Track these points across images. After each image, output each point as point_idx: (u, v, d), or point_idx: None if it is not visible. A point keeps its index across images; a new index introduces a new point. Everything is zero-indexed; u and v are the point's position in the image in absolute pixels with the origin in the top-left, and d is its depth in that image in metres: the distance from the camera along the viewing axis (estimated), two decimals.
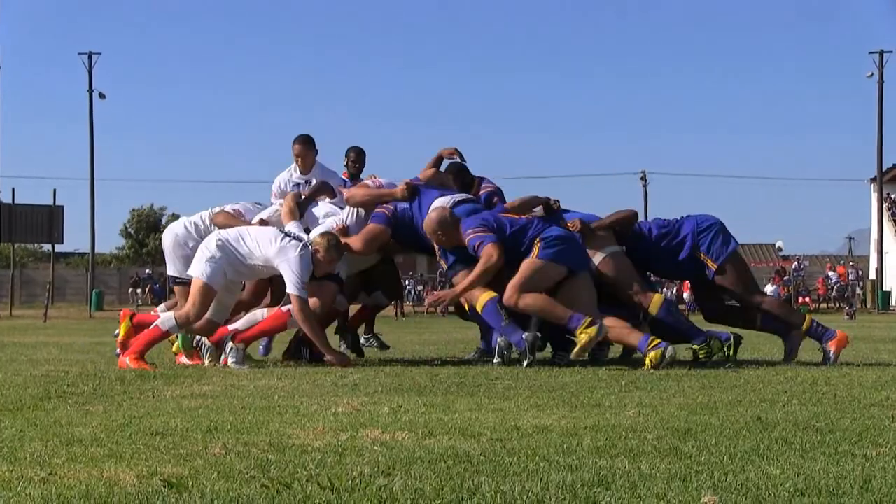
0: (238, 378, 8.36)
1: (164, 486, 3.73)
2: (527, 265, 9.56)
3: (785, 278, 57.89)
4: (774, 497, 3.62)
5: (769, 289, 50.91)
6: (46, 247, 63.61)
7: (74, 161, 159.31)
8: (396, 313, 51.24)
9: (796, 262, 61.85)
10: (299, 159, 11.26)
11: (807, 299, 56.55)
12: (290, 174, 11.38)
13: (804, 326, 10.37)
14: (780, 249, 74.04)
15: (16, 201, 52.58)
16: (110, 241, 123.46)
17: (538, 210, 10.12)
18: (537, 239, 9.66)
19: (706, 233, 10.39)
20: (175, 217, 77.32)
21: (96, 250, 67.19)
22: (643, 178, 77.28)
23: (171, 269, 10.87)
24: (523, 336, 9.41)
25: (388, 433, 5.07)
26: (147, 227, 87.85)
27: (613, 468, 4.09)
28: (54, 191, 54.95)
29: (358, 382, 7.91)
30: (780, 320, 10.54)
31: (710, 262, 10.31)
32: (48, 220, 51.09)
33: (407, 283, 61.76)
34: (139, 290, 58.73)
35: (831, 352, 10.06)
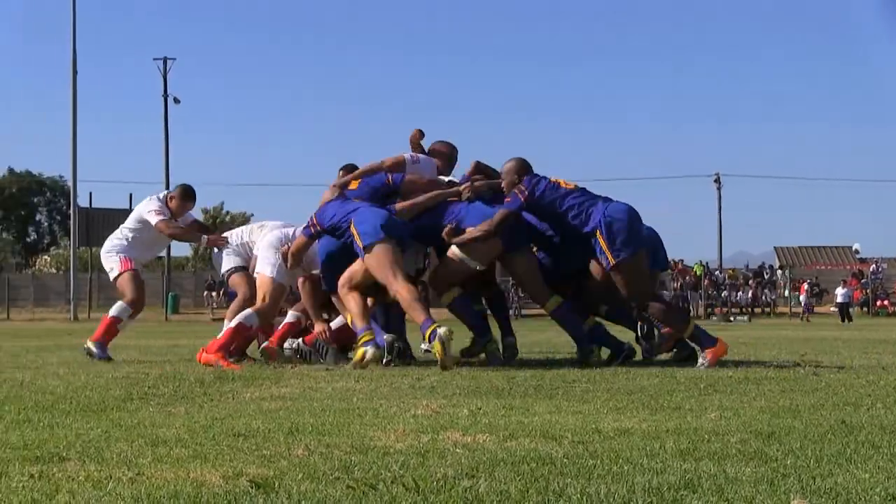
0: (315, 380, 8.40)
1: (251, 487, 3.75)
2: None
3: (862, 281, 57.27)
4: (865, 501, 3.57)
5: (840, 291, 50.36)
6: None
7: (150, 165, 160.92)
8: None
9: (874, 265, 61.15)
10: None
11: (885, 302, 55.91)
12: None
13: (686, 333, 10.35)
14: (857, 252, 73.29)
15: (93, 205, 53.27)
16: (185, 245, 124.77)
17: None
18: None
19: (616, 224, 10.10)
20: (246, 220, 77.98)
21: (172, 253, 67.89)
22: (717, 181, 76.78)
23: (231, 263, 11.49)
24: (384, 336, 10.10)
25: (468, 435, 5.06)
26: (221, 229, 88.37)
27: (699, 471, 4.06)
28: (130, 195, 55.71)
29: (435, 385, 7.91)
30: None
31: (609, 255, 10.05)
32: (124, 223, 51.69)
33: None
34: (214, 294, 59.07)
35: (707, 360, 9.91)
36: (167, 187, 63.12)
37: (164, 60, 67.20)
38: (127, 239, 12.28)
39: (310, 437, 5.06)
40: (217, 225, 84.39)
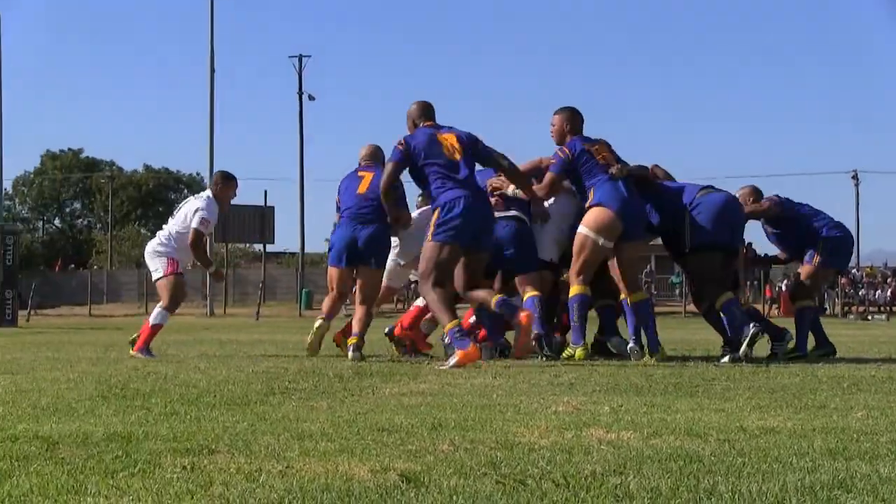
0: (453, 376, 8.43)
1: (402, 481, 3.77)
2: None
3: None
4: None
5: None
6: (258, 246, 65.16)
7: (284, 162, 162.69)
8: None
9: None
10: None
11: None
12: None
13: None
14: None
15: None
16: (320, 241, 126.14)
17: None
18: None
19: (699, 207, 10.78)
20: None
21: (306, 250, 68.70)
22: (855, 178, 75.45)
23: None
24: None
25: (612, 432, 5.04)
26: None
27: (851, 470, 3.99)
28: (265, 192, 56.54)
29: (574, 382, 7.90)
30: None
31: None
32: (260, 220, 52.35)
33: None
34: None
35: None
36: (301, 184, 63.99)
37: (300, 58, 68.07)
38: (174, 240, 12.26)
39: (454, 432, 5.07)
40: None
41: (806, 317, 11.40)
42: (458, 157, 10.07)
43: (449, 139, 10.13)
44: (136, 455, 4.39)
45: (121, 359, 11.06)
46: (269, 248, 61.67)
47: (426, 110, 10.51)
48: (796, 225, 11.41)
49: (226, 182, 12.35)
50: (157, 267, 12.17)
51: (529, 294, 10.67)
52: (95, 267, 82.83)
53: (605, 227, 10.36)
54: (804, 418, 5.64)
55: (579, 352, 10.39)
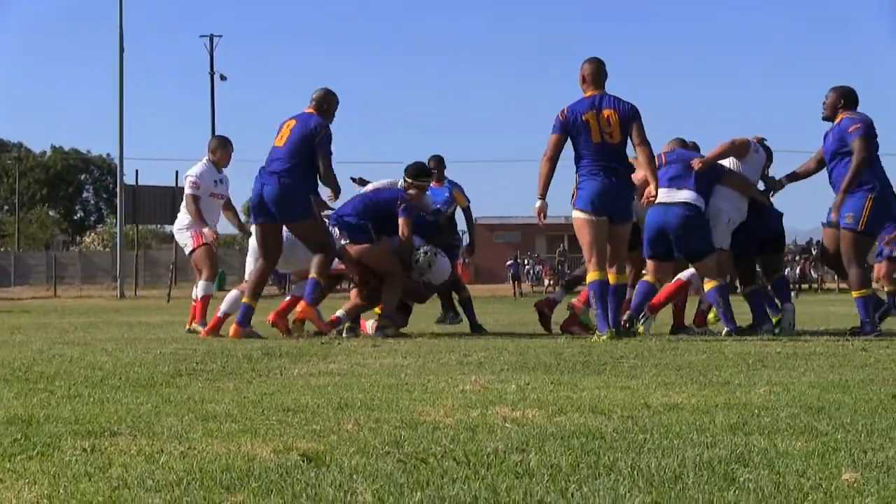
0: (363, 356, 8.44)
1: (303, 461, 3.77)
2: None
3: None
4: None
5: None
6: (169, 228, 64.56)
7: (196, 143, 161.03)
8: (515, 293, 51.35)
9: None
10: None
11: None
12: None
13: None
14: None
15: (139, 183, 53.48)
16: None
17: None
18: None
19: None
20: None
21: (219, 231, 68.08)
22: None
23: None
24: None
25: (517, 410, 5.08)
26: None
27: (749, 445, 4.06)
28: (176, 172, 55.87)
29: (483, 361, 7.93)
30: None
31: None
32: (170, 201, 51.85)
33: (526, 262, 61.76)
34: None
35: None
36: None
37: (210, 38, 67.44)
38: (184, 210, 12.87)
39: (359, 412, 5.08)
40: None
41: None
42: None
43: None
44: (35, 438, 4.35)
45: (26, 342, 10.92)
46: None
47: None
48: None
49: (221, 147, 12.98)
50: (185, 242, 12.81)
51: (710, 285, 11.11)
52: (2, 249, 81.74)
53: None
54: (707, 395, 5.71)
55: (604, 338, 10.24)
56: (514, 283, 53.98)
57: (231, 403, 5.44)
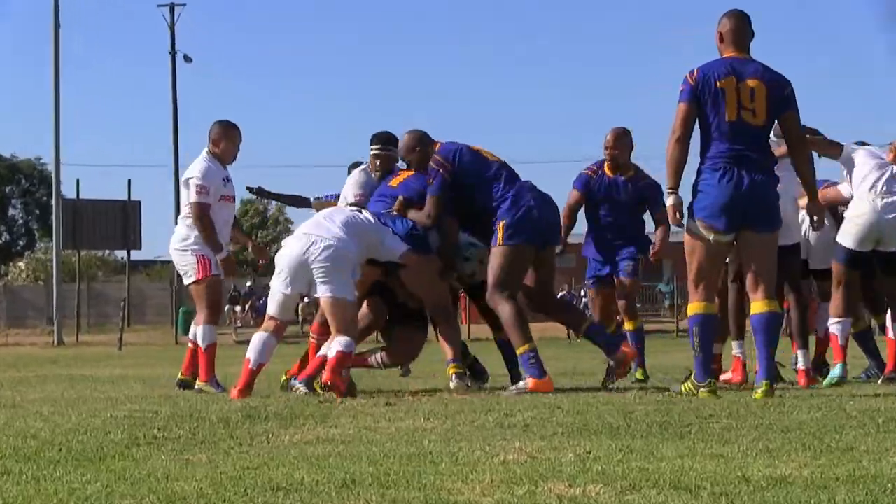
0: (373, 418, 8.45)
1: None
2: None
3: None
4: None
5: None
6: (120, 254, 64.93)
7: (154, 143, 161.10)
8: (569, 334, 51.20)
9: None
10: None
11: None
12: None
13: None
14: None
15: (81, 196, 53.61)
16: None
17: None
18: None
19: None
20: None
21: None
22: None
23: None
24: None
25: (576, 487, 5.07)
26: (254, 224, 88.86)
27: None
28: (129, 182, 56.10)
29: (530, 422, 7.92)
30: None
31: None
32: (122, 219, 52.04)
33: (583, 293, 61.61)
34: (237, 309, 59.00)
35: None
36: (176, 170, 63.79)
37: (171, 7, 67.80)
38: (191, 226, 12.39)
39: (370, 490, 5.08)
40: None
41: None
42: None
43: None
44: None
45: None
46: (135, 255, 61.42)
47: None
48: None
49: (225, 133, 12.53)
50: (186, 269, 12.42)
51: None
52: None
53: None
54: (824, 464, 5.69)
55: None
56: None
57: (204, 481, 5.45)
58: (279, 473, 5.64)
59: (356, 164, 12.90)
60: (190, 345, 12.53)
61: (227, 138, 12.52)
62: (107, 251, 77.04)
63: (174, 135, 66.52)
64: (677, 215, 9.87)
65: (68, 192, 58.06)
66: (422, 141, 11.58)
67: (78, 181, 60.34)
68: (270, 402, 9.93)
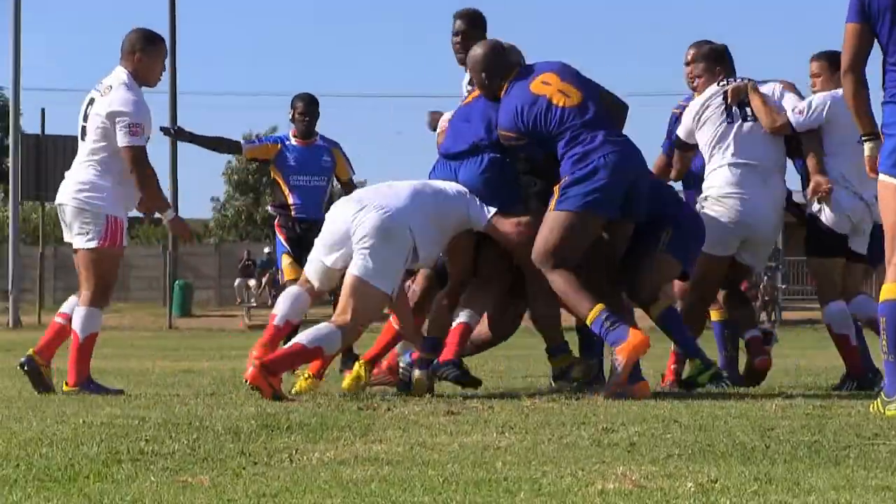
0: (431, 431, 8.43)
1: None
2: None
3: None
4: None
5: None
6: None
7: None
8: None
9: None
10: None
11: None
12: None
13: None
14: None
15: (46, 131, 53.59)
16: (202, 199, 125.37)
17: None
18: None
19: None
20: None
21: (181, 213, 68.56)
22: None
23: None
24: None
25: None
26: (262, 169, 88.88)
27: None
28: None
29: (636, 440, 7.92)
30: None
31: None
32: None
33: None
34: (251, 283, 58.79)
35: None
36: (172, 107, 63.88)
37: None
38: (100, 174, 12.21)
39: None
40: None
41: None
42: None
43: None
44: None
45: None
46: None
47: None
48: None
49: (149, 47, 12.19)
50: (85, 230, 12.19)
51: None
52: None
53: None
54: None
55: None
56: None
57: None
58: (305, 502, 5.67)
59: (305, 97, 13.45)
60: (60, 319, 12.34)
61: (153, 53, 12.23)
62: None
63: (172, 65, 66.60)
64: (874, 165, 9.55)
65: (29, 125, 58.18)
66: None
67: (43, 111, 60.32)
68: (294, 408, 9.89)
